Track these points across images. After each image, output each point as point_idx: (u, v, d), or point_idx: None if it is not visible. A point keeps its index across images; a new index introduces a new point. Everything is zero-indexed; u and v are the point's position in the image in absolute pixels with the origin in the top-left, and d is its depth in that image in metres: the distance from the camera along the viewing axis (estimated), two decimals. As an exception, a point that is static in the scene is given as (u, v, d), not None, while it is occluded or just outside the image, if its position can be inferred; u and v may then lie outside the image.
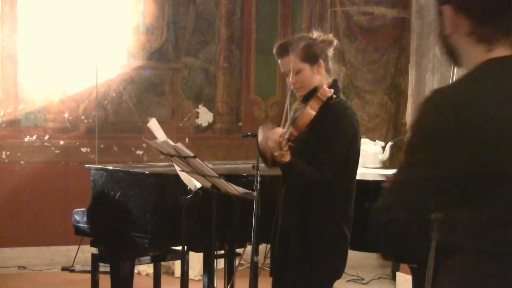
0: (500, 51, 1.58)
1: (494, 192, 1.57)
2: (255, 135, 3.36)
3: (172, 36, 6.64)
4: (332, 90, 3.01)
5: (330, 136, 2.97)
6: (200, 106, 6.82)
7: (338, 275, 3.10)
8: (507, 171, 1.55)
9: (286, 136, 2.87)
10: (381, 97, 6.90)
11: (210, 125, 6.87)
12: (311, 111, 2.96)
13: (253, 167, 3.28)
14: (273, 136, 2.91)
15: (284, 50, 3.07)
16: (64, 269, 6.08)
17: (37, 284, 5.71)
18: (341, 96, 3.11)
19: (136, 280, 4.21)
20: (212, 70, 6.83)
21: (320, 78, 3.07)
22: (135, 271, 4.44)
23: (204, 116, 6.84)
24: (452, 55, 1.65)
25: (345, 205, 3.07)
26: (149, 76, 6.56)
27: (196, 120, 6.81)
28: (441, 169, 1.56)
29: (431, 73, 6.04)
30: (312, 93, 3.03)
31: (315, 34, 3.12)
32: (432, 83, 6.01)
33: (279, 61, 3.12)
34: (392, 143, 4.97)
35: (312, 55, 3.05)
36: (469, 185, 1.57)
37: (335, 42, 3.14)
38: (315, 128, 2.98)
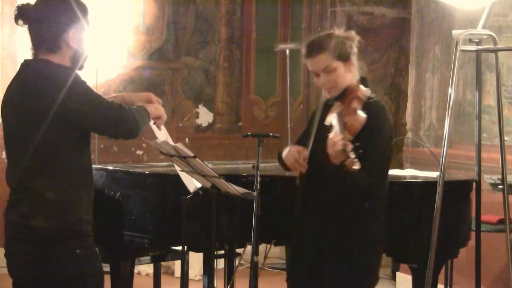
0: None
1: None
2: (255, 135, 3.36)
3: (172, 36, 6.64)
4: (369, 90, 2.89)
5: (375, 137, 2.82)
6: (200, 106, 6.82)
7: (377, 281, 2.96)
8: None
9: (348, 142, 2.56)
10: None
11: (210, 125, 6.86)
12: (361, 114, 2.77)
13: (253, 167, 3.27)
14: (335, 143, 2.59)
15: (316, 48, 2.89)
16: (64, 269, 6.07)
17: (37, 284, 5.70)
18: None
19: (136, 280, 4.21)
20: (212, 70, 6.82)
21: (351, 76, 2.92)
22: (135, 271, 4.44)
23: (204, 116, 6.84)
24: None
25: (384, 208, 2.95)
26: (149, 76, 6.56)
27: (196, 120, 6.80)
28: None
29: (431, 73, 6.03)
30: (344, 93, 2.87)
31: (337, 32, 2.94)
32: (432, 83, 6.01)
33: (309, 61, 2.92)
34: (392, 143, 4.95)
35: (344, 53, 2.90)
36: None
37: (358, 38, 2.97)
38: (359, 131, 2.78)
